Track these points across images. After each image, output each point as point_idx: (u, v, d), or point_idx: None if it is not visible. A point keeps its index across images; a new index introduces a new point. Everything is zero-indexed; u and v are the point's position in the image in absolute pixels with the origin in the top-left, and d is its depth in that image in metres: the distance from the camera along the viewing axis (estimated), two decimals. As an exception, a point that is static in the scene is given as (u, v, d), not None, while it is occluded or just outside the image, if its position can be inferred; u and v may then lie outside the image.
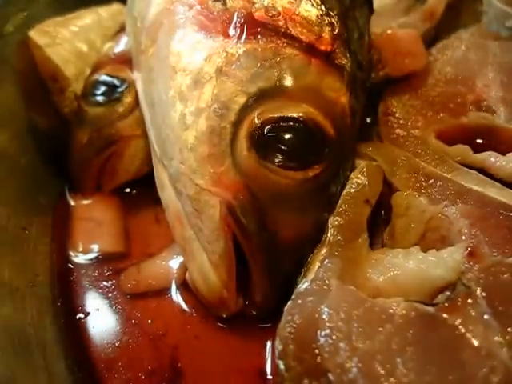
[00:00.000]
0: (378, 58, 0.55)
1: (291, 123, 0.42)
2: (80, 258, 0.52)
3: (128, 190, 0.57)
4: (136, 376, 0.44)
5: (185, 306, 0.48)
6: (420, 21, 0.60)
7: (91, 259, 0.52)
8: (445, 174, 0.46)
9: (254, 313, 0.45)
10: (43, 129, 0.59)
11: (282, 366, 0.36)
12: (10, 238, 0.51)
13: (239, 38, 0.43)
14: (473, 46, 0.57)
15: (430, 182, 0.45)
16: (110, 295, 0.49)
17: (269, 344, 0.44)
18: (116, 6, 0.65)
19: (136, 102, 0.53)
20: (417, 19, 0.60)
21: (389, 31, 0.56)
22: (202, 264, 0.43)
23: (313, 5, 0.45)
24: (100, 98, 0.55)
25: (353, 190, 0.44)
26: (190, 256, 0.44)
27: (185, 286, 0.48)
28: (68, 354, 0.46)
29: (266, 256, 0.42)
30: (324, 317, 0.36)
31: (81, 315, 0.48)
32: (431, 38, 0.61)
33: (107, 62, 0.58)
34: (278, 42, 0.43)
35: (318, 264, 0.40)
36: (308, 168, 0.42)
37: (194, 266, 0.44)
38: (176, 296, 0.48)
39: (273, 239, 0.42)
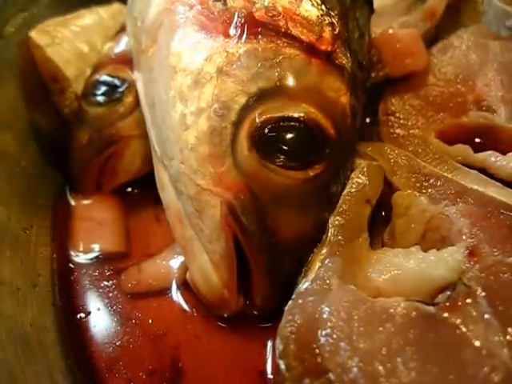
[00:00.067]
0: (379, 57, 0.55)
1: (292, 123, 0.42)
2: (81, 258, 0.52)
3: (128, 189, 0.57)
4: (137, 376, 0.44)
5: (185, 306, 0.48)
6: (420, 20, 0.60)
7: (92, 259, 0.52)
8: (445, 174, 0.46)
9: (255, 312, 0.45)
10: (44, 129, 0.59)
11: (282, 366, 0.36)
12: (11, 239, 0.51)
13: (240, 37, 0.43)
14: (473, 46, 0.56)
15: (431, 181, 0.45)
16: (110, 295, 0.49)
17: (269, 344, 0.44)
18: (116, 6, 0.65)
19: (136, 102, 0.53)
20: (417, 19, 0.60)
21: (389, 31, 0.56)
22: (203, 264, 0.43)
23: (313, 5, 0.45)
24: (100, 98, 0.55)
25: (353, 190, 0.44)
26: (190, 256, 0.44)
27: (185, 286, 0.48)
28: (69, 354, 0.46)
29: (267, 256, 0.42)
30: (325, 316, 0.36)
31: (81, 315, 0.48)
32: (432, 38, 0.60)
33: (108, 62, 0.58)
34: (279, 41, 0.43)
35: (318, 264, 0.40)
36: (308, 168, 0.42)
37: (194, 266, 0.44)
38: (177, 296, 0.48)
39: (273, 239, 0.42)
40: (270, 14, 0.44)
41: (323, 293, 0.38)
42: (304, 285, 0.39)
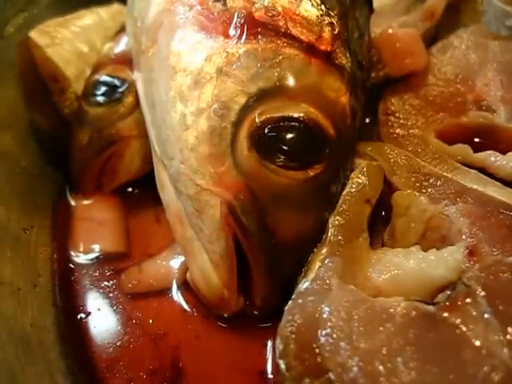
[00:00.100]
0: (378, 57, 0.55)
1: (291, 123, 0.42)
2: (81, 258, 0.52)
3: (129, 189, 0.57)
4: (137, 376, 0.44)
5: (186, 306, 0.48)
6: (420, 20, 0.60)
7: (92, 259, 0.52)
8: (445, 174, 0.46)
9: (255, 312, 0.45)
10: (44, 129, 0.59)
11: (282, 366, 0.36)
12: (11, 239, 0.51)
13: (239, 38, 0.43)
14: (473, 46, 0.56)
15: (431, 181, 0.45)
16: (110, 295, 0.50)
17: (269, 344, 0.44)
18: (116, 7, 0.65)
19: (136, 103, 0.53)
20: (417, 19, 0.60)
21: (389, 31, 0.56)
22: (203, 264, 0.43)
23: (313, 5, 0.45)
24: (100, 99, 0.55)
25: (353, 190, 0.44)
26: (190, 256, 0.44)
27: (186, 286, 0.48)
28: (69, 354, 0.46)
29: (267, 256, 0.42)
30: (325, 316, 0.37)
31: (82, 315, 0.48)
32: (431, 38, 0.60)
33: (108, 63, 0.58)
34: (278, 41, 0.43)
35: (318, 263, 0.40)
36: (308, 168, 0.42)
37: (194, 266, 0.44)
38: (177, 296, 0.48)
39: (273, 239, 0.42)
40: (270, 14, 0.44)
41: (323, 293, 0.38)
42: (304, 285, 0.39)
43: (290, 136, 0.42)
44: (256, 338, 0.45)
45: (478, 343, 0.34)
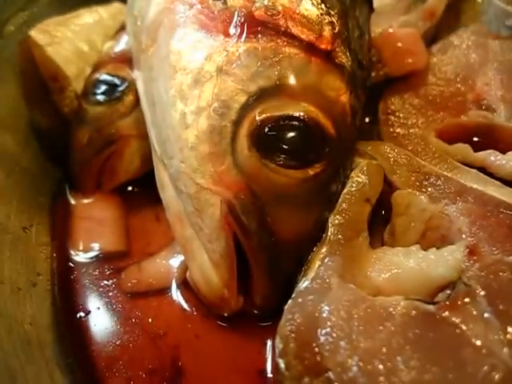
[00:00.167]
0: (378, 57, 0.55)
1: (292, 122, 0.42)
2: (80, 257, 0.52)
3: (129, 188, 0.57)
4: (137, 375, 0.44)
5: (185, 305, 0.48)
6: (420, 20, 0.60)
7: (92, 258, 0.52)
8: (445, 173, 0.46)
9: (255, 312, 0.45)
10: (44, 128, 0.59)
11: (282, 365, 0.36)
12: (11, 238, 0.51)
13: (239, 36, 0.43)
14: (473, 45, 0.57)
15: (431, 180, 0.45)
16: (110, 294, 0.49)
17: (269, 343, 0.44)
18: (116, 5, 0.65)
19: (136, 102, 0.53)
20: (417, 18, 0.60)
21: (389, 30, 0.56)
22: (203, 263, 0.43)
23: (313, 4, 0.45)
24: (101, 97, 0.55)
25: (353, 189, 0.44)
26: (190, 255, 0.44)
27: (185, 285, 0.48)
28: (69, 353, 0.46)
29: (267, 255, 0.42)
30: (324, 315, 0.36)
31: (81, 314, 0.48)
32: (431, 37, 0.61)
33: (108, 61, 0.58)
34: (279, 40, 0.43)
35: (318, 263, 0.40)
36: (308, 167, 0.42)
37: (194, 265, 0.44)
38: (176, 295, 0.48)
39: (273, 238, 0.42)
40: (270, 13, 0.44)
41: (323, 292, 0.38)
42: (304, 284, 0.39)
43: (290, 135, 0.42)
44: (256, 337, 0.45)
45: (477, 342, 0.34)
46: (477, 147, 0.49)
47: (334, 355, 0.35)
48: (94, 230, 0.53)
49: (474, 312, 0.36)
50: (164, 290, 0.49)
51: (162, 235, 0.52)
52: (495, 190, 0.43)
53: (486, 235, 0.40)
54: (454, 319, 0.36)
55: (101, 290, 0.50)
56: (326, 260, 0.40)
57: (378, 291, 0.39)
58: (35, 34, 0.57)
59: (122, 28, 0.61)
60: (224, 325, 0.46)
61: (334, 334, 0.36)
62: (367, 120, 0.56)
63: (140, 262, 0.51)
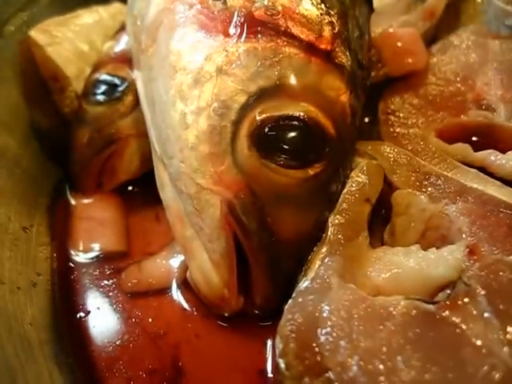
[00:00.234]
0: (378, 57, 0.55)
1: (291, 122, 0.42)
2: (81, 257, 0.52)
3: (129, 188, 0.57)
4: (137, 375, 0.44)
5: (185, 305, 0.48)
6: (420, 20, 0.60)
7: (92, 258, 0.52)
8: (445, 173, 0.46)
9: (256, 311, 0.45)
10: (44, 128, 0.59)
11: (282, 365, 0.36)
12: (11, 238, 0.51)
13: (239, 36, 0.43)
14: (473, 45, 0.57)
15: (431, 180, 0.45)
16: (110, 294, 0.49)
17: (269, 342, 0.44)
18: (116, 5, 0.65)
19: (136, 102, 0.53)
20: (417, 18, 0.60)
21: (389, 30, 0.56)
22: (203, 263, 0.43)
23: (313, 4, 0.45)
24: (101, 97, 0.56)
25: (353, 189, 0.44)
26: (190, 255, 0.44)
27: (185, 285, 0.48)
28: (69, 353, 0.46)
29: (267, 255, 0.42)
30: (324, 315, 0.36)
31: (81, 314, 0.48)
32: (431, 37, 0.61)
33: (108, 61, 0.58)
34: (278, 40, 0.43)
35: (318, 262, 0.40)
36: (308, 167, 0.42)
37: (194, 265, 0.44)
38: (177, 295, 0.48)
39: (273, 238, 0.42)
40: (270, 13, 0.44)
41: (323, 291, 0.38)
42: (304, 283, 0.39)
43: (289, 135, 0.42)
44: (256, 337, 0.45)
45: (477, 342, 0.34)
46: (477, 147, 0.49)
47: (335, 355, 0.35)
48: (94, 230, 0.53)
49: (474, 312, 0.36)
50: (164, 290, 0.49)
51: (162, 235, 0.52)
52: (495, 190, 0.43)
53: (486, 235, 0.40)
54: (454, 319, 0.36)
55: (101, 290, 0.50)
56: (326, 260, 0.40)
57: (378, 291, 0.39)
58: (35, 34, 0.57)
59: (122, 28, 0.61)
60: (224, 325, 0.46)
61: (334, 334, 0.36)
62: (367, 120, 0.56)
63: (140, 262, 0.51)
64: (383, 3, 0.63)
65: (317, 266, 0.40)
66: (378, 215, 0.46)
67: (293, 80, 0.43)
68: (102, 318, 0.48)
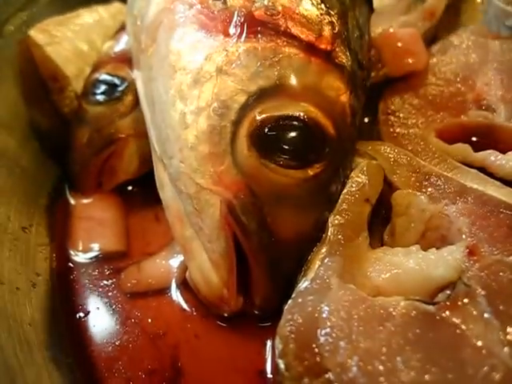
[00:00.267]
0: (378, 57, 0.55)
1: (291, 122, 0.42)
2: (80, 257, 0.52)
3: (128, 188, 0.57)
4: (136, 375, 0.44)
5: (185, 305, 0.48)
6: (420, 20, 0.60)
7: (91, 258, 0.52)
8: (445, 173, 0.46)
9: (255, 312, 0.45)
10: (44, 128, 0.59)
11: (282, 365, 0.35)
12: (10, 238, 0.51)
13: (239, 36, 0.43)
14: (473, 45, 0.57)
15: (431, 180, 0.45)
16: (110, 294, 0.49)
17: (269, 343, 0.44)
18: (116, 5, 0.65)
19: (136, 101, 0.53)
20: (417, 18, 0.60)
21: (389, 30, 0.56)
22: (203, 263, 0.43)
23: (313, 4, 0.45)
24: (100, 97, 0.55)
25: (353, 189, 0.44)
26: (190, 255, 0.44)
27: (185, 285, 0.48)
28: (68, 353, 0.46)
29: (267, 255, 0.42)
30: (324, 316, 0.36)
31: (81, 314, 0.48)
32: (431, 37, 0.61)
33: (107, 61, 0.58)
34: (278, 40, 0.43)
35: (318, 263, 0.40)
36: (308, 167, 0.42)
37: (194, 265, 0.44)
38: (176, 295, 0.48)
39: (273, 238, 0.42)
40: (270, 13, 0.44)
41: (323, 292, 0.38)
42: (304, 284, 0.39)
43: (289, 135, 0.42)
44: (255, 338, 0.45)
45: (477, 343, 0.34)
46: (477, 147, 0.49)
47: (334, 356, 0.35)
48: (94, 230, 0.53)
49: (474, 312, 0.36)
50: (163, 290, 0.49)
51: (161, 235, 0.52)
52: (495, 190, 0.43)
53: (486, 235, 0.40)
54: (454, 319, 0.36)
55: (100, 290, 0.50)
56: (325, 260, 0.40)
57: (378, 291, 0.39)
58: (35, 33, 0.57)
59: (122, 28, 0.61)
60: (224, 325, 0.46)
61: (334, 335, 0.36)
62: (367, 120, 0.56)
63: (139, 262, 0.51)
64: (383, 3, 0.62)
65: (316, 266, 0.40)
66: (378, 215, 0.46)
67: (293, 80, 0.43)
68: (101, 319, 0.48)
